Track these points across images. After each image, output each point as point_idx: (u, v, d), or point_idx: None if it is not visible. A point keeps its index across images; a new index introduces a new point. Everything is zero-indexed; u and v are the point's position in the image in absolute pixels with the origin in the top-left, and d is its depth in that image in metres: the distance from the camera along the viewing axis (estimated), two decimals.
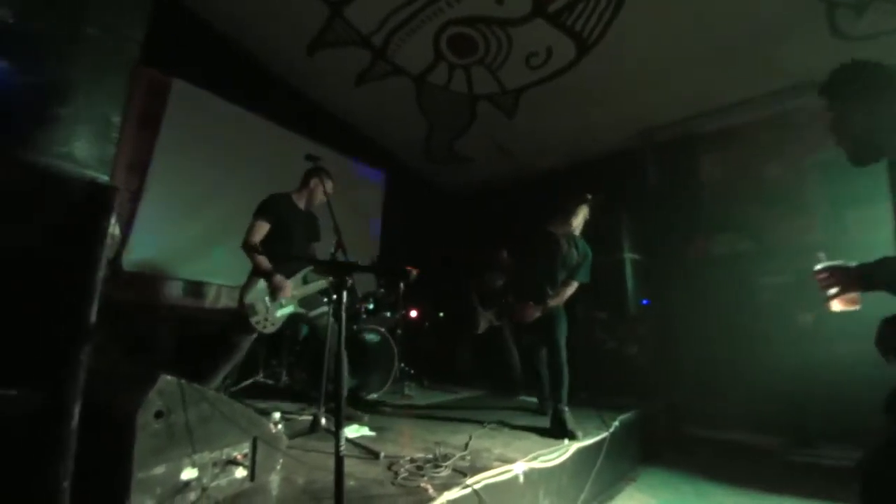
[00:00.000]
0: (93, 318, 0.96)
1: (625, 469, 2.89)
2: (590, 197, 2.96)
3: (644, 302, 4.50)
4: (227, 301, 4.22)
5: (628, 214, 4.64)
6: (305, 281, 2.82)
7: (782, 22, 3.41)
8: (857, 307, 1.32)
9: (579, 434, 2.45)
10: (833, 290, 1.28)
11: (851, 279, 1.26)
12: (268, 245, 2.63)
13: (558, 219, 3.00)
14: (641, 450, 3.16)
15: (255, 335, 2.58)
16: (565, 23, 3.77)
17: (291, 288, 2.66)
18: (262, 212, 2.68)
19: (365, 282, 4.62)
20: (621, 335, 4.28)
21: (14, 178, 0.85)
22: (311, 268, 2.82)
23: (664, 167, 4.85)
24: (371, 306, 3.96)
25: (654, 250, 4.62)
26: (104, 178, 1.04)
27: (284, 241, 2.71)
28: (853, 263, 1.24)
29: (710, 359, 4.00)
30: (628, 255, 4.52)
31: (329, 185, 2.81)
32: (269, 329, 2.59)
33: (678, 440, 3.66)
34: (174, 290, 3.97)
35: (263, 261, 2.59)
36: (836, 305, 1.33)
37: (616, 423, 2.79)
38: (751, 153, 4.39)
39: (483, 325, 4.44)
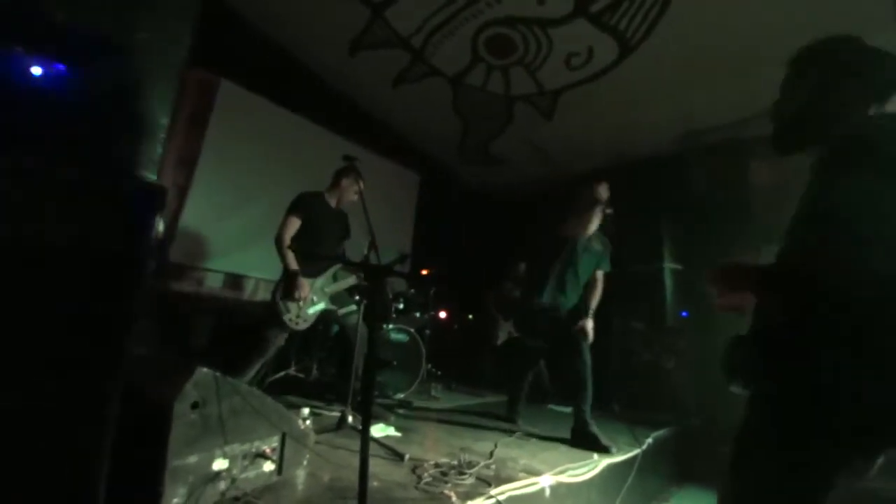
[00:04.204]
0: (138, 310, 1.00)
1: (657, 488, 2.77)
2: (605, 208, 2.77)
3: (683, 314, 4.29)
4: (264, 294, 4.35)
5: (669, 222, 4.45)
6: (335, 278, 2.87)
7: (844, 23, 3.16)
8: (742, 312, 1.16)
9: (614, 449, 2.37)
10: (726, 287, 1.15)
11: (750, 279, 1.09)
12: (299, 242, 2.70)
13: (570, 223, 2.86)
14: (675, 469, 3.02)
15: (287, 332, 2.64)
16: (608, 22, 3.65)
17: (317, 287, 2.71)
18: (293, 208, 2.76)
19: (396, 280, 4.66)
20: (658, 348, 4.10)
21: (66, 177, 0.89)
22: (340, 265, 2.86)
23: (710, 172, 4.61)
24: (401, 306, 3.98)
25: (696, 260, 4.39)
26: (152, 177, 1.08)
27: (315, 239, 2.77)
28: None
29: None
30: (668, 265, 4.34)
31: (360, 185, 2.86)
32: (301, 326, 2.65)
33: (715, 460, 3.45)
34: (214, 282, 4.14)
35: (291, 260, 2.65)
36: (723, 306, 1.20)
37: (649, 440, 2.68)
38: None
39: (502, 337, 4.39)
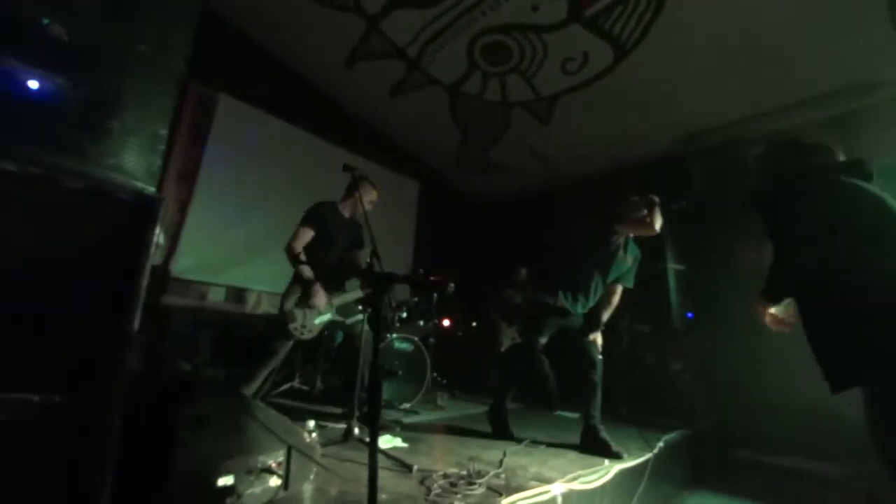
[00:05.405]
0: (135, 324, 0.99)
1: (669, 493, 2.71)
2: (661, 203, 2.66)
3: (689, 315, 4.26)
4: (267, 306, 4.34)
5: (672, 222, 4.42)
6: (344, 289, 2.85)
7: (840, 19, 3.18)
8: (785, 328, 1.62)
9: (625, 455, 2.33)
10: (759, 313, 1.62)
11: (759, 299, 1.62)
12: (311, 252, 2.69)
13: (627, 221, 2.69)
14: (687, 473, 2.97)
15: (292, 341, 2.63)
16: (602, 27, 3.68)
17: (329, 297, 2.69)
18: (307, 219, 2.75)
19: (399, 290, 4.64)
20: (664, 350, 4.06)
21: (65, 188, 0.88)
22: (351, 277, 2.85)
23: (711, 172, 4.60)
24: (404, 314, 3.96)
25: (700, 261, 4.36)
26: (151, 189, 1.07)
27: (328, 249, 2.76)
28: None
29: (764, 377, 3.72)
30: (672, 266, 4.31)
31: (374, 195, 2.88)
32: (307, 336, 2.63)
33: (727, 464, 3.41)
34: (217, 296, 4.12)
35: (305, 269, 2.64)
36: (772, 326, 1.66)
37: (660, 444, 2.64)
38: None
39: (506, 343, 4.35)
